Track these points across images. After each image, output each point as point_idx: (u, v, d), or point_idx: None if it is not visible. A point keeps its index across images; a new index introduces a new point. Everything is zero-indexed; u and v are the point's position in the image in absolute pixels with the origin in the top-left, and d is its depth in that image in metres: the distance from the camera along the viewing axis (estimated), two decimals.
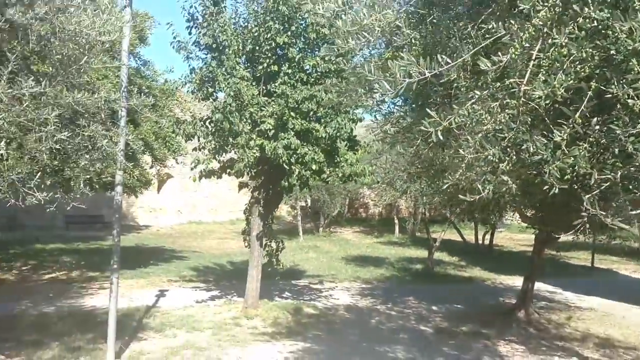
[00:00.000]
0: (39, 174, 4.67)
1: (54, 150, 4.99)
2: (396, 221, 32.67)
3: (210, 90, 9.63)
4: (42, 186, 5.01)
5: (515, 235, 32.75)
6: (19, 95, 4.34)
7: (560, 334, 9.45)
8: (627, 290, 14.78)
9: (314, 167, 8.95)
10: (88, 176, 5.33)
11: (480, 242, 24.72)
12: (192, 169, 9.34)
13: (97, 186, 12.12)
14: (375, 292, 13.51)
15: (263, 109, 9.09)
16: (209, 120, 9.82)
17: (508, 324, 9.83)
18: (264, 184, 10.18)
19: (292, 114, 8.79)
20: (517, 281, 16.03)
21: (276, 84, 9.14)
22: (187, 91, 9.91)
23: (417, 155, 5.44)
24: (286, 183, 9.08)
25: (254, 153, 8.77)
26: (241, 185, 11.05)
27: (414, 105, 5.75)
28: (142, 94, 15.00)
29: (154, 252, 19.72)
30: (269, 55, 9.11)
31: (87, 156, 5.27)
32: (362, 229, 34.25)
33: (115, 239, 6.61)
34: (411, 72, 3.24)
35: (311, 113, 9.06)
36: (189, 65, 9.78)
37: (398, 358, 7.66)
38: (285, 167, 8.78)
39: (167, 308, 10.35)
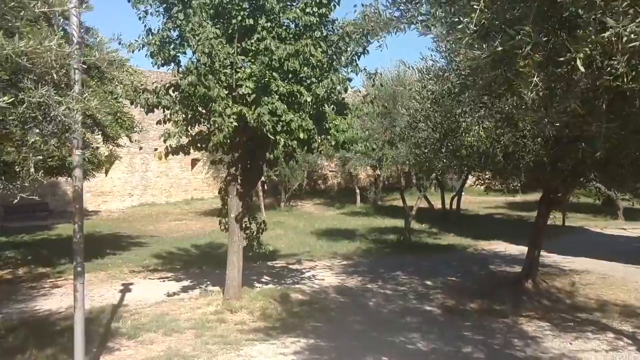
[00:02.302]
0: None
1: None
2: (357, 191, 31.96)
3: (173, 52, 8.21)
4: None
5: (474, 198, 32.74)
6: None
7: (575, 303, 8.79)
8: (609, 248, 14.48)
9: (301, 135, 7.76)
10: (39, 157, 3.97)
11: (447, 207, 24.33)
12: (164, 141, 7.95)
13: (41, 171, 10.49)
14: (360, 268, 12.58)
15: (239, 70, 7.79)
16: (174, 87, 8.43)
17: (518, 296, 9.09)
18: (241, 159, 8.92)
19: (274, 74, 7.53)
20: (498, 246, 15.62)
21: (252, 41, 7.84)
22: (146, 55, 8.42)
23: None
24: (271, 155, 7.86)
25: (232, 122, 7.49)
26: (213, 162, 9.74)
27: None
28: (87, 65, 13.44)
29: (109, 240, 18.07)
30: (243, 6, 7.76)
31: (37, 130, 3.92)
32: (322, 200, 33.38)
33: (77, 236, 5.26)
34: None
35: (295, 73, 7.84)
36: (145, 26, 8.33)
37: (421, 350, 6.71)
38: (270, 137, 7.55)
39: (136, 306, 9.04)
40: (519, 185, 7.57)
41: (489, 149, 6.81)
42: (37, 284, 10.96)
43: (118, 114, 13.37)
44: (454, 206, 23.93)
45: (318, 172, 36.75)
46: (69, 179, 14.10)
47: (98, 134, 13.49)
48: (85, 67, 13.05)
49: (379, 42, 3.98)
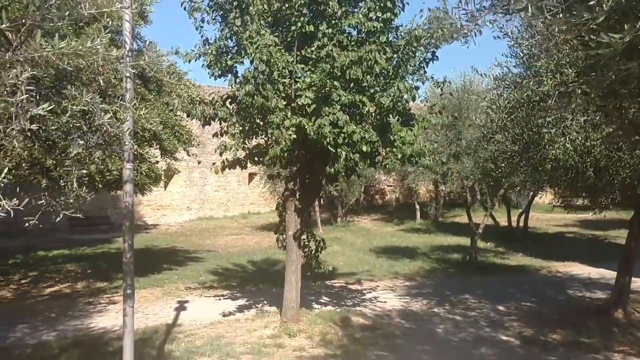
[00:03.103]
0: (5, 170, 2.95)
1: (29, 134, 3.30)
2: (417, 206, 30.98)
3: (230, 63, 7.86)
4: (18, 188, 3.36)
5: (542, 215, 31.09)
6: None
7: None
8: None
9: (364, 148, 7.21)
10: (84, 171, 3.60)
11: (513, 225, 23.08)
12: (220, 154, 7.60)
13: (99, 185, 10.39)
14: (424, 290, 11.82)
15: (298, 80, 7.35)
16: (231, 99, 8.10)
17: (607, 328, 8.13)
18: (299, 173, 8.47)
19: (335, 83, 7.04)
20: (574, 269, 14.44)
21: (312, 49, 7.39)
22: (202, 66, 8.15)
23: None
24: (331, 170, 7.34)
25: (290, 135, 7.03)
26: (270, 176, 9.34)
27: None
28: (145, 79, 13.43)
29: (166, 254, 18.08)
30: (303, 12, 7.34)
31: (81, 141, 3.55)
32: (380, 216, 32.61)
33: (127, 255, 4.90)
34: None
35: (357, 82, 7.33)
36: (202, 36, 8.05)
37: None
38: (331, 149, 7.04)
39: (190, 326, 8.69)
40: (610, 203, 6.68)
41: (577, 163, 6.02)
42: (94, 299, 10.85)
43: (176, 128, 13.29)
44: (521, 224, 22.63)
45: (375, 186, 36.11)
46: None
47: (156, 148, 13.45)
48: (142, 79, 13.17)
49: (465, 39, 3.36)
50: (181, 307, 10.28)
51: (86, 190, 3.59)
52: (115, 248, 19.47)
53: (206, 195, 32.08)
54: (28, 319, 9.10)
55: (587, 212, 29.27)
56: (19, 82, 2.94)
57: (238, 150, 7.29)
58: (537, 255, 16.50)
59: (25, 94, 2.96)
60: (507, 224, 23.34)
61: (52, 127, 3.45)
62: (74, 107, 3.36)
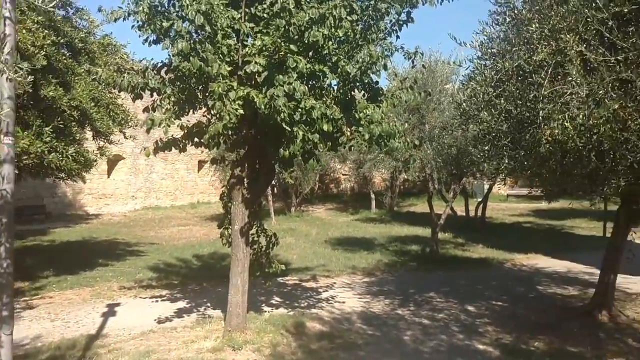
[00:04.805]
0: None
1: None
2: (372, 196, 30.20)
3: (166, 25, 6.47)
4: None
5: (496, 204, 30.94)
6: None
7: None
8: None
9: (325, 127, 6.03)
10: None
11: (470, 215, 22.54)
12: (147, 131, 6.25)
13: None
14: (385, 287, 10.81)
15: (247, 43, 6.10)
16: (167, 67, 6.75)
17: (593, 333, 7.27)
18: (248, 157, 7.21)
19: (291, 47, 5.81)
20: (538, 261, 13.83)
21: (264, 6, 6.13)
22: (132, 27, 6.70)
23: None
24: (286, 152, 6.13)
25: (237, 109, 5.78)
26: (213, 161, 8.05)
27: None
28: (74, 50, 11.79)
29: (105, 247, 16.49)
30: None
31: None
32: (335, 205, 31.71)
33: (3, 263, 3.55)
34: None
35: (318, 49, 6.13)
36: None
37: None
38: (285, 128, 5.82)
39: (116, 337, 7.33)
40: (614, 192, 5.76)
41: (578, 145, 5.03)
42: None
43: (110, 106, 11.72)
44: (479, 214, 22.07)
45: (330, 175, 35.21)
46: (63, 180, 12.45)
47: (88, 130, 11.86)
48: (71, 49, 11.53)
49: None
50: (110, 311, 8.90)
51: None
52: (48, 240, 17.74)
53: (152, 183, 30.29)
54: None
55: (540, 202, 29.34)
56: None
57: (169, 126, 5.95)
58: (498, 246, 15.83)
59: None
60: (464, 214, 22.80)
61: None
62: None
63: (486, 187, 23.42)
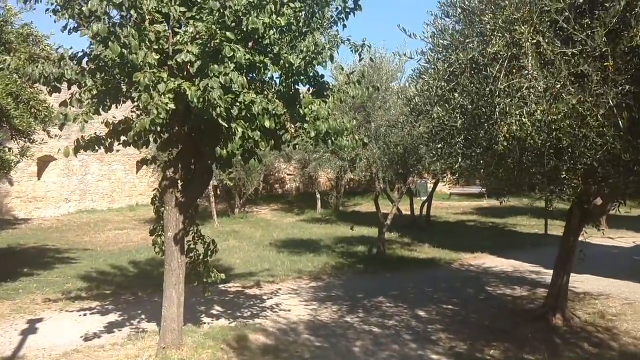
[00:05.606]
0: None
1: None
2: (318, 196, 29.80)
3: (84, 8, 5.73)
4: None
5: (439, 203, 31.17)
6: None
7: (625, 348, 6.76)
8: (609, 262, 12.72)
9: (266, 123, 5.50)
10: None
11: (415, 214, 22.48)
12: (60, 128, 5.53)
13: None
14: (333, 292, 10.36)
15: (178, 29, 5.49)
16: (87, 55, 6.01)
17: (548, 337, 7.05)
18: (182, 157, 6.56)
19: (227, 34, 5.24)
20: (485, 260, 13.79)
21: None
22: (46, 11, 5.94)
23: None
24: (223, 151, 5.55)
25: (166, 103, 5.15)
26: (143, 161, 7.34)
27: None
28: None
29: (32, 255, 15.25)
30: None
31: None
32: (280, 206, 31.09)
33: None
34: None
35: (257, 38, 5.59)
36: None
37: None
38: (222, 124, 5.25)
39: (34, 358, 6.53)
40: (573, 192, 5.51)
41: (536, 142, 4.72)
42: None
43: (31, 102, 10.71)
44: (423, 212, 22.07)
45: (275, 175, 34.56)
46: None
47: (5, 128, 10.81)
48: None
49: None
50: (31, 328, 8.01)
51: None
52: None
53: (87, 185, 28.64)
54: None
55: (481, 200, 29.79)
56: None
57: (87, 122, 5.26)
58: (444, 246, 15.73)
59: None
60: (409, 212, 22.73)
61: None
62: None
63: (430, 186, 23.50)
